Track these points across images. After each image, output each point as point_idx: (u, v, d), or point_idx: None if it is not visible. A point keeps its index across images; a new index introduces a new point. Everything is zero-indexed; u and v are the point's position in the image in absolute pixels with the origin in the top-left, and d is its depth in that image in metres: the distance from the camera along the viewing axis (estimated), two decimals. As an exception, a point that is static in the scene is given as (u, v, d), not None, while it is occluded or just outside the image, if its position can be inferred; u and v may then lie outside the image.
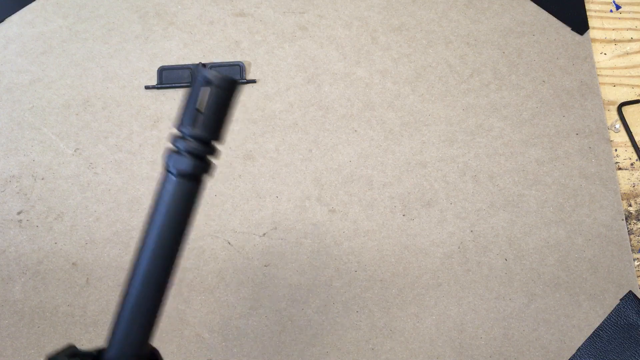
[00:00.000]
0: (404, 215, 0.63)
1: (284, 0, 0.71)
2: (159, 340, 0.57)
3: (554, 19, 0.71)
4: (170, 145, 0.31)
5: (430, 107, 0.67)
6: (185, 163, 0.30)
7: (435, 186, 0.64)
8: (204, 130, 0.30)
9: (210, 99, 0.30)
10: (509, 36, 0.70)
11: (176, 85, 0.66)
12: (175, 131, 0.31)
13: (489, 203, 0.63)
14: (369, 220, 0.62)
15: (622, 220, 0.63)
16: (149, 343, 0.33)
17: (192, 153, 0.30)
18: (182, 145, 0.30)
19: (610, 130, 0.67)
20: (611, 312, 0.60)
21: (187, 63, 0.68)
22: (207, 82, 0.30)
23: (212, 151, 0.31)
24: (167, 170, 0.31)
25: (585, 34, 0.71)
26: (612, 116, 0.68)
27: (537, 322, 0.59)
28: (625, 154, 0.66)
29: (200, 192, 0.32)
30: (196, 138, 0.30)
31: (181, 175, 0.31)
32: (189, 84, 0.66)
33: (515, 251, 0.62)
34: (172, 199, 0.31)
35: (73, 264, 0.60)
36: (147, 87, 0.66)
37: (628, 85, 0.69)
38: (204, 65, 0.67)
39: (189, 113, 0.30)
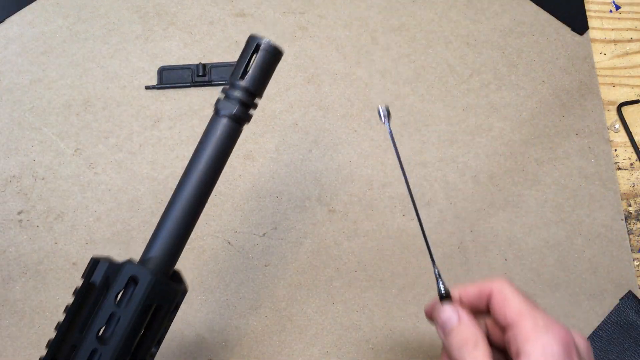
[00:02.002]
0: (404, 215, 0.63)
1: (284, 0, 0.71)
2: (159, 340, 0.57)
3: (554, 19, 0.71)
4: (222, 94, 0.37)
5: (430, 107, 0.67)
6: (231, 107, 0.37)
7: (435, 186, 0.64)
8: (249, 83, 0.37)
9: (258, 59, 0.37)
10: (508, 36, 0.71)
11: (176, 85, 0.66)
12: (227, 84, 0.38)
13: (488, 203, 0.63)
14: (369, 220, 0.62)
15: (622, 220, 0.63)
16: (175, 262, 0.38)
17: (238, 100, 0.37)
18: (230, 93, 0.37)
19: (609, 131, 0.67)
20: (611, 312, 0.60)
21: (187, 63, 0.68)
22: (257, 47, 0.37)
23: (253, 104, 0.38)
24: (217, 113, 0.37)
25: (585, 34, 0.71)
26: (612, 116, 0.68)
27: (537, 322, 0.59)
28: (625, 154, 0.66)
29: (238, 134, 0.38)
30: (243, 89, 0.37)
31: (227, 116, 0.37)
32: (189, 84, 0.66)
33: (515, 251, 0.62)
34: (219, 135, 0.37)
35: (73, 263, 0.60)
36: (147, 87, 0.67)
37: (628, 85, 0.69)
38: (204, 65, 0.67)
39: (239, 68, 0.37)
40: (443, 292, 0.38)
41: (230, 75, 0.38)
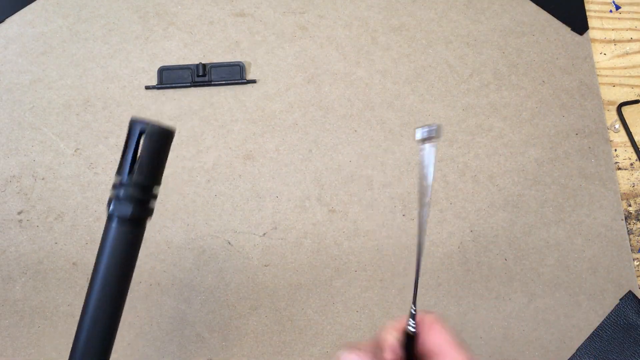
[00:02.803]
0: (404, 215, 0.63)
1: (284, 0, 0.71)
2: (160, 340, 0.57)
3: (554, 19, 0.71)
4: (112, 192, 0.32)
5: (430, 107, 0.67)
6: (125, 209, 0.31)
7: (435, 186, 0.64)
8: (141, 176, 0.31)
9: (145, 147, 0.31)
10: (508, 36, 0.71)
11: (176, 85, 0.66)
12: (115, 179, 0.32)
13: (488, 203, 0.63)
14: (369, 220, 0.62)
15: (622, 220, 0.63)
16: None
17: (131, 198, 0.31)
18: (121, 192, 0.31)
19: (609, 130, 0.67)
20: (611, 312, 0.60)
21: (187, 63, 0.68)
22: (142, 132, 0.31)
23: (151, 196, 0.32)
24: (109, 218, 0.32)
25: (585, 34, 0.71)
26: (612, 116, 0.68)
27: (537, 322, 0.60)
28: (625, 154, 0.66)
29: (141, 234, 0.33)
30: (135, 184, 0.31)
31: (122, 220, 0.32)
32: (189, 84, 0.66)
33: (515, 251, 0.62)
34: (115, 242, 0.32)
35: (73, 263, 0.60)
36: (147, 87, 0.67)
37: (628, 85, 0.69)
38: (204, 65, 0.67)
39: (126, 161, 0.31)
40: (412, 332, 0.35)
41: (117, 170, 0.32)
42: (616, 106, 0.68)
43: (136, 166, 0.31)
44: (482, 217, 0.63)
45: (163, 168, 0.33)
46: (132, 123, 0.31)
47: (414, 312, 0.35)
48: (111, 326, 0.33)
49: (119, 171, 0.32)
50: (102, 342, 0.33)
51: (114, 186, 0.32)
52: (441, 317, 0.36)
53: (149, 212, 0.33)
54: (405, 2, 0.72)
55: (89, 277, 0.60)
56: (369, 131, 0.66)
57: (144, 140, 0.31)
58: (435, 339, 0.34)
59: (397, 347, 0.34)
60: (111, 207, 0.32)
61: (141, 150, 0.31)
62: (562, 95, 0.68)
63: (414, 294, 0.35)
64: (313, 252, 0.61)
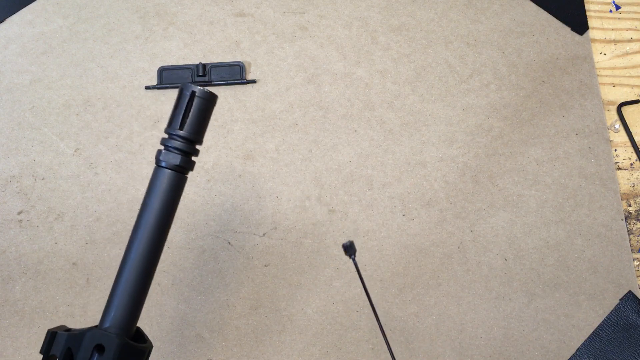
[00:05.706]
0: (404, 215, 0.63)
1: (284, 0, 0.71)
2: (159, 340, 0.57)
3: (554, 19, 0.71)
4: (161, 146, 0.38)
5: (430, 107, 0.67)
6: (174, 158, 0.37)
7: (435, 186, 0.64)
8: (189, 132, 0.37)
9: (195, 107, 0.37)
10: (508, 36, 0.71)
11: (176, 85, 0.66)
12: (165, 135, 0.38)
13: (488, 203, 0.63)
14: (369, 220, 0.62)
15: (622, 220, 0.63)
16: (136, 322, 0.37)
17: (180, 150, 0.37)
18: (171, 144, 0.37)
19: (609, 130, 0.67)
20: (611, 312, 0.60)
21: (187, 63, 0.68)
22: (193, 95, 0.37)
23: (195, 151, 0.38)
24: (159, 165, 0.37)
25: (585, 34, 0.71)
26: (612, 116, 0.68)
27: (537, 322, 0.60)
28: (625, 154, 0.66)
29: (183, 184, 0.38)
30: (183, 138, 0.37)
31: (171, 168, 0.37)
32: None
33: (515, 251, 0.62)
34: (164, 188, 0.37)
35: (73, 264, 0.60)
36: (147, 87, 0.67)
37: (628, 85, 0.69)
38: (204, 65, 0.67)
39: (177, 118, 0.37)
40: None
41: (167, 126, 0.38)
42: (616, 106, 0.68)
43: (187, 122, 0.37)
44: (481, 217, 0.63)
45: (206, 128, 0.38)
46: (184, 86, 0.37)
47: None
48: (152, 260, 0.37)
49: (170, 127, 0.37)
50: (146, 275, 0.36)
51: (164, 140, 0.37)
52: None
53: (191, 165, 0.38)
54: (405, 2, 0.72)
55: (89, 277, 0.60)
56: (369, 131, 0.66)
57: (195, 101, 0.37)
58: None
59: None
60: (161, 156, 0.37)
61: (192, 110, 0.37)
62: (562, 95, 0.68)
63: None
64: (313, 252, 0.61)
